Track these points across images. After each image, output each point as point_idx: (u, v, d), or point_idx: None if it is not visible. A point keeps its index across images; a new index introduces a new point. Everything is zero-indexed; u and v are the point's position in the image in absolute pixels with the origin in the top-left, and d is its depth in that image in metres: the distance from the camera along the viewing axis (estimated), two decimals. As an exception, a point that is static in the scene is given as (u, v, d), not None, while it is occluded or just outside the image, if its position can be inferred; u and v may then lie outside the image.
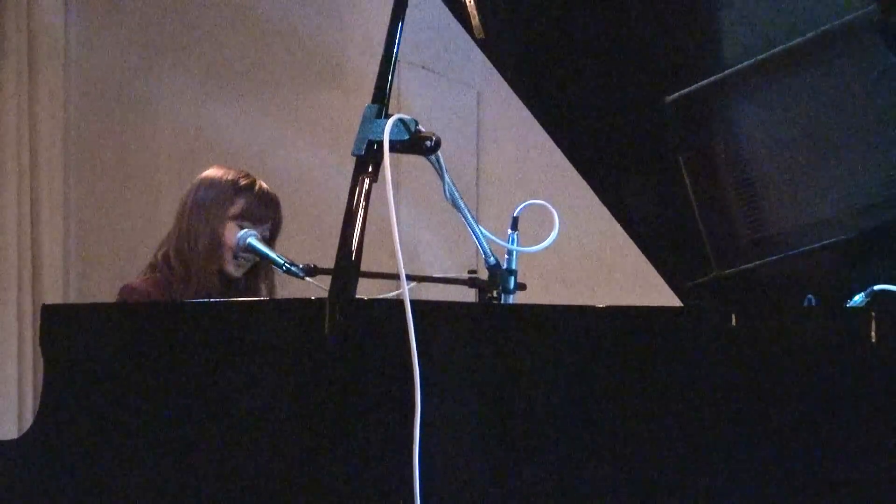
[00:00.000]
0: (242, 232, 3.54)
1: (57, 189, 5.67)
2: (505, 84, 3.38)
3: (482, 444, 2.37)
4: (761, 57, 3.19)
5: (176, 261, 3.62)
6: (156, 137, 5.81)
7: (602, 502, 2.39)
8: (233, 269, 3.61)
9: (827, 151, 3.25)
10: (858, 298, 2.91)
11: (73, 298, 5.67)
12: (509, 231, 2.93)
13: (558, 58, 3.38)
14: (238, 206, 3.61)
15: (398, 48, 2.52)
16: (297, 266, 3.40)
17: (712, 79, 3.28)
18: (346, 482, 2.27)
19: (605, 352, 2.41)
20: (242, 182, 3.65)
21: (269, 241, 3.65)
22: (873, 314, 2.45)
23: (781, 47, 3.16)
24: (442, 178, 2.59)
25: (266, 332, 2.36)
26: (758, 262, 3.36)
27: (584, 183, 3.42)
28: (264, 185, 3.68)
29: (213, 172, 3.70)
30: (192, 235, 3.61)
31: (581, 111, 3.43)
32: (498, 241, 2.85)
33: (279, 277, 3.65)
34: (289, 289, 3.70)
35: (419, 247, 5.37)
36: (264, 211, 3.63)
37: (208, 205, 3.63)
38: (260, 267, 3.67)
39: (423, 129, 2.46)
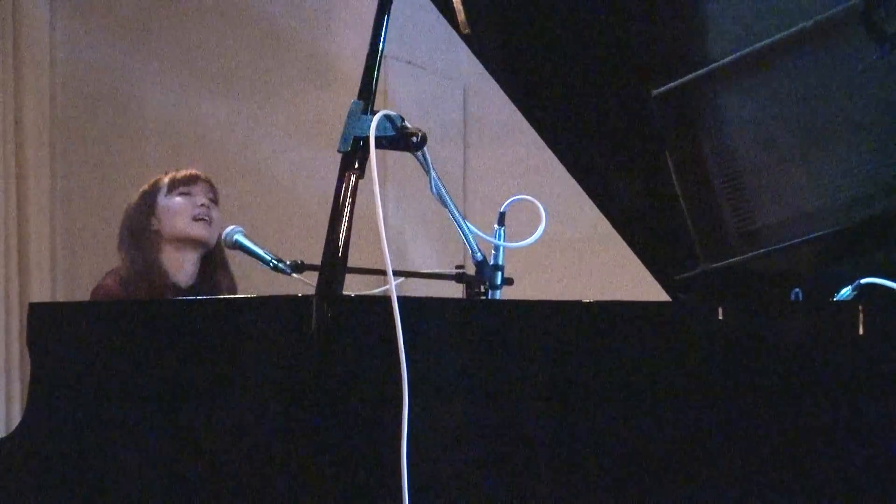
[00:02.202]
0: (229, 229, 3.56)
1: (44, 187, 5.66)
2: (491, 79, 3.38)
3: (470, 440, 2.37)
4: (748, 50, 3.20)
5: (133, 250, 3.75)
6: (142, 135, 5.80)
7: (591, 497, 2.39)
8: (201, 230, 3.74)
9: (814, 145, 3.25)
10: (845, 292, 2.91)
11: (60, 297, 5.66)
12: (496, 226, 2.93)
13: (544, 52, 3.38)
14: (164, 183, 3.86)
15: (384, 44, 2.52)
16: (284, 262, 3.40)
17: (699, 72, 3.28)
18: (333, 479, 2.27)
19: (593, 347, 2.41)
20: (157, 175, 3.92)
21: (215, 203, 3.88)
22: (860, 307, 2.46)
23: (768, 41, 3.16)
24: (428, 173, 2.59)
25: (253, 328, 2.36)
26: (745, 256, 3.37)
27: (570, 178, 3.42)
28: None
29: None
30: (140, 222, 3.76)
31: (567, 106, 3.43)
32: (485, 236, 2.85)
33: (266, 275, 3.66)
34: (276, 285, 3.70)
35: (406, 243, 5.37)
36: (188, 175, 3.82)
37: (141, 200, 3.88)
38: (215, 256, 3.77)
39: (409, 125, 2.46)
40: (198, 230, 3.77)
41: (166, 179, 3.87)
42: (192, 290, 3.77)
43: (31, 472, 2.49)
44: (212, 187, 3.89)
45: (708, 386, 2.42)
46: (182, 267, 3.79)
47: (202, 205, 3.81)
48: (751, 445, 2.42)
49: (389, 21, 2.53)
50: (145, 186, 3.89)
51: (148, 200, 3.84)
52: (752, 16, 3.24)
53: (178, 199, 3.81)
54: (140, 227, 3.79)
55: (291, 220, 5.17)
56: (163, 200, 3.82)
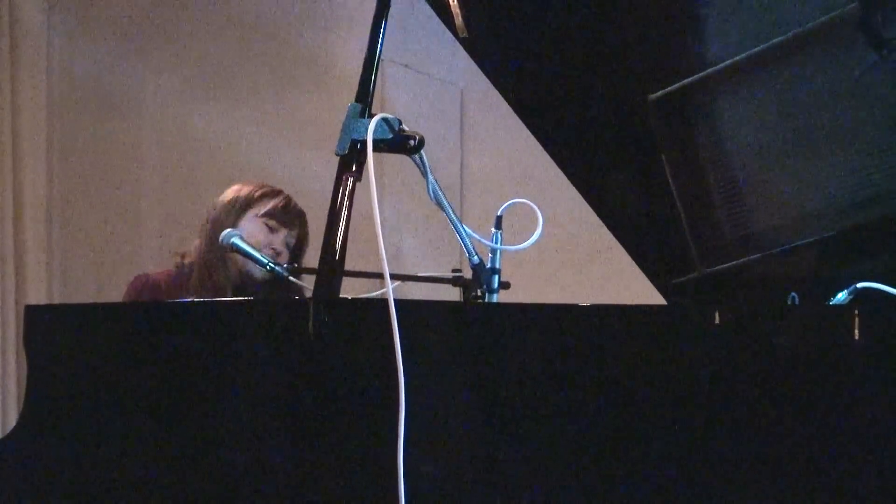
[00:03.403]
0: (226, 232, 3.54)
1: (40, 190, 5.65)
2: (488, 83, 3.38)
3: (467, 443, 2.37)
4: (744, 55, 3.20)
5: (200, 253, 3.69)
6: (139, 139, 5.80)
7: (586, 499, 2.39)
8: (255, 269, 3.63)
9: (810, 149, 3.25)
10: (841, 296, 2.91)
11: (57, 299, 5.65)
12: (493, 230, 2.93)
13: (542, 56, 3.38)
14: (265, 206, 3.66)
15: (381, 47, 2.52)
16: (280, 266, 3.40)
17: (695, 77, 3.28)
18: (331, 481, 2.27)
19: (590, 350, 2.41)
20: (269, 189, 3.75)
21: (297, 252, 3.72)
22: (856, 312, 2.46)
23: (764, 45, 3.16)
24: (426, 177, 2.59)
25: (251, 331, 2.36)
26: (741, 260, 3.37)
27: (567, 181, 3.42)
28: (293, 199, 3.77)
29: (240, 185, 3.79)
30: (223, 223, 3.65)
31: (565, 110, 3.43)
32: (482, 239, 2.85)
33: None
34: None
35: (403, 246, 5.37)
36: (291, 215, 3.67)
37: (234, 203, 3.72)
38: (291, 289, 3.65)
39: (406, 129, 2.46)
40: (249, 267, 3.66)
41: (271, 203, 3.71)
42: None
43: (27, 475, 2.49)
44: (300, 234, 3.75)
45: (704, 389, 2.43)
46: (235, 278, 3.69)
47: (274, 249, 3.69)
48: (746, 449, 2.42)
49: (387, 24, 2.53)
50: (248, 190, 3.74)
51: (240, 206, 3.71)
52: (748, 20, 3.24)
53: (260, 227, 3.67)
54: (221, 226, 3.64)
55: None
56: (249, 218, 3.68)
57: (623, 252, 3.51)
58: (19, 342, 5.37)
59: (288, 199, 3.74)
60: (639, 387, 2.41)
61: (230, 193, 3.75)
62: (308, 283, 3.41)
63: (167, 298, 3.63)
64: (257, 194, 3.73)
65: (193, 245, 3.77)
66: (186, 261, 3.74)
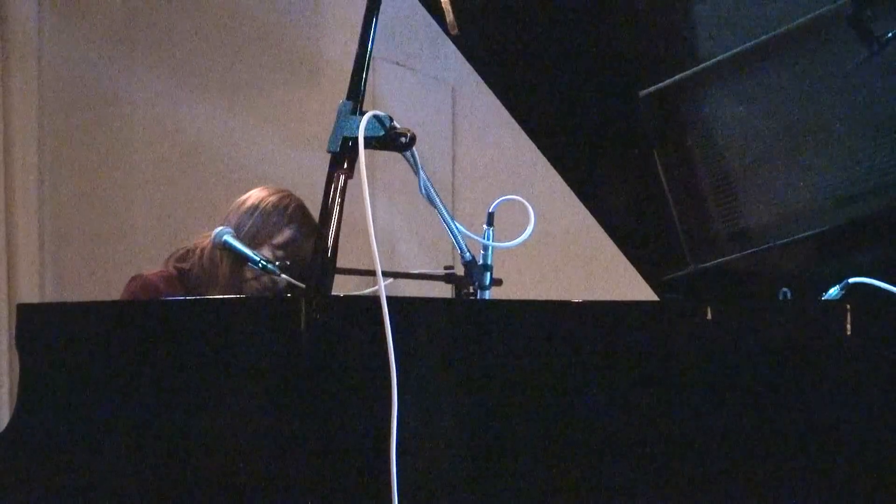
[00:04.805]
0: (218, 230, 3.53)
1: (32, 188, 5.64)
2: (479, 80, 3.38)
3: (459, 440, 2.37)
4: (736, 51, 3.20)
5: (201, 263, 3.63)
6: (131, 136, 5.79)
7: (580, 497, 2.40)
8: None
9: (801, 144, 3.26)
10: (833, 291, 2.92)
11: (49, 297, 5.64)
12: (485, 226, 2.93)
13: (532, 53, 3.38)
14: (284, 235, 3.57)
15: (372, 44, 2.52)
16: (272, 263, 3.39)
17: (686, 73, 3.28)
18: (322, 479, 2.27)
19: (582, 347, 2.41)
20: (292, 208, 3.56)
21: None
22: (848, 307, 2.47)
23: (756, 41, 3.17)
24: (417, 173, 2.60)
25: (243, 328, 2.36)
26: (733, 256, 3.37)
27: (559, 178, 3.42)
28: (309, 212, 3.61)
29: (268, 198, 3.61)
30: (261, 236, 3.58)
31: (556, 106, 3.43)
32: (473, 236, 2.85)
33: None
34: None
35: (395, 243, 5.37)
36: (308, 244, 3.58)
37: (256, 230, 3.60)
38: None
39: (397, 126, 2.47)
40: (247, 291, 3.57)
41: (290, 229, 3.52)
42: None
43: (20, 473, 2.49)
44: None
45: (696, 385, 2.43)
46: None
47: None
48: (738, 444, 2.42)
49: (378, 22, 2.53)
50: (281, 205, 3.54)
51: (272, 227, 3.54)
52: (739, 16, 3.25)
53: (259, 283, 3.51)
54: (256, 239, 3.51)
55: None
56: (271, 242, 3.52)
57: (615, 248, 3.51)
58: (12, 341, 5.37)
59: (307, 226, 3.52)
60: (631, 383, 2.41)
61: (289, 209, 3.56)
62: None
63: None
64: (282, 225, 3.62)
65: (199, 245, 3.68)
66: (190, 262, 3.67)
